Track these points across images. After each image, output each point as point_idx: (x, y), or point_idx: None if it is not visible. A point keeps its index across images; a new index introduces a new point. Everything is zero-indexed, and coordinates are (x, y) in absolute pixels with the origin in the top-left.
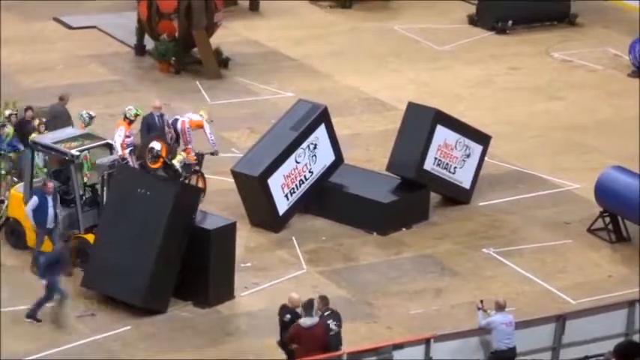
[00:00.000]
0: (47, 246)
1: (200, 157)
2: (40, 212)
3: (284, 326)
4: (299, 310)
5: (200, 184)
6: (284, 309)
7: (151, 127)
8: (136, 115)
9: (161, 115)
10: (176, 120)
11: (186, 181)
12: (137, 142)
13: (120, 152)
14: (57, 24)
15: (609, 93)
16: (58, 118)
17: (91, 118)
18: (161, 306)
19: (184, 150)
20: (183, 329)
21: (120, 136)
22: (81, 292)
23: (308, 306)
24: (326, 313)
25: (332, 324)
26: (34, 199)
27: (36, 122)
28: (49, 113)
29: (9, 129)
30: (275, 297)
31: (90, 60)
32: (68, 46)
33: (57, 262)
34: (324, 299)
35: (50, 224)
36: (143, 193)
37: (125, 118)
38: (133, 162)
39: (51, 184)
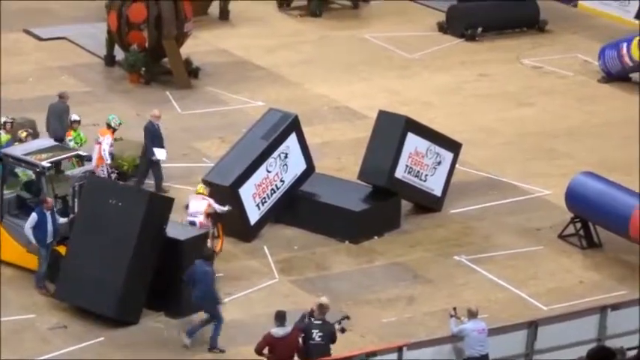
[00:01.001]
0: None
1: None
2: (39, 229)
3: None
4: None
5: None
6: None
7: (155, 134)
8: (120, 125)
9: (158, 125)
10: (194, 223)
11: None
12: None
13: (109, 161)
14: (27, 36)
15: (579, 99)
16: (59, 115)
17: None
18: (133, 317)
19: (218, 237)
20: (156, 340)
21: (108, 144)
22: (53, 304)
23: (279, 317)
24: (315, 322)
25: (316, 334)
26: (34, 216)
27: (23, 134)
28: (49, 111)
29: (3, 136)
30: (247, 307)
31: (61, 71)
32: (39, 57)
33: None
34: (321, 307)
35: (49, 239)
36: (114, 203)
37: (110, 127)
38: (108, 170)
39: (50, 200)
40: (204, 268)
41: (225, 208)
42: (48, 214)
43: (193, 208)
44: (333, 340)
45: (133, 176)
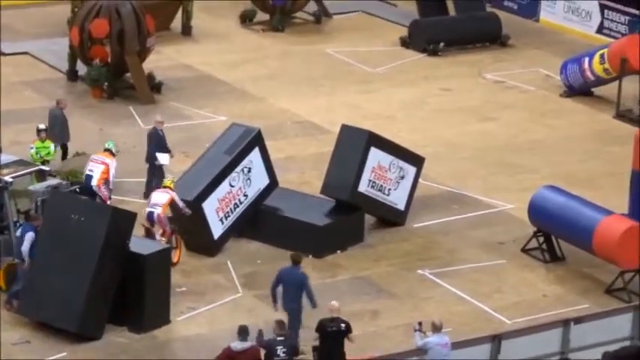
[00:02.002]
0: None
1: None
2: (33, 247)
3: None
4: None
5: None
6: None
7: (159, 141)
8: (118, 152)
9: (162, 130)
10: (152, 213)
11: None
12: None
13: (111, 186)
14: None
15: (542, 113)
16: (56, 122)
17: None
18: (96, 332)
19: (162, 234)
20: (119, 355)
21: (114, 168)
22: (16, 319)
23: (241, 331)
24: (278, 338)
25: (280, 350)
26: (31, 235)
27: None
28: (47, 118)
29: None
30: (211, 321)
31: (23, 86)
32: (1, 72)
33: None
34: (279, 324)
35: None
36: (77, 218)
37: (111, 152)
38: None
39: (41, 218)
40: (294, 272)
41: (187, 210)
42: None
43: (154, 199)
44: (297, 353)
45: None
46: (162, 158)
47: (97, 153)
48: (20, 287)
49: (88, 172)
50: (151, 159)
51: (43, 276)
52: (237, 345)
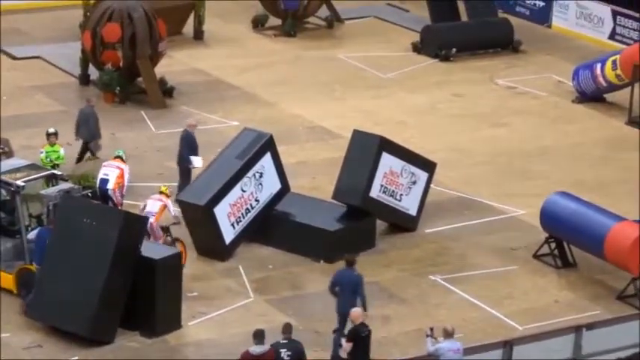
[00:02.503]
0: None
1: (166, 229)
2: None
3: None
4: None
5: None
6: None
7: (191, 143)
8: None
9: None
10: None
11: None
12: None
13: (124, 192)
14: (1, 55)
15: (554, 119)
16: (86, 120)
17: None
18: (108, 336)
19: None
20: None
21: (128, 173)
22: (28, 323)
23: (257, 335)
24: (283, 341)
25: (284, 353)
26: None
27: None
28: (78, 117)
29: None
30: (222, 326)
31: (35, 90)
32: (12, 76)
33: None
34: (285, 327)
35: None
36: (89, 223)
37: (122, 159)
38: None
39: None
40: (350, 274)
41: (178, 217)
42: None
43: (148, 207)
44: (302, 358)
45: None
46: (196, 161)
47: (109, 160)
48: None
49: (102, 176)
50: (182, 162)
51: (55, 280)
52: (256, 349)
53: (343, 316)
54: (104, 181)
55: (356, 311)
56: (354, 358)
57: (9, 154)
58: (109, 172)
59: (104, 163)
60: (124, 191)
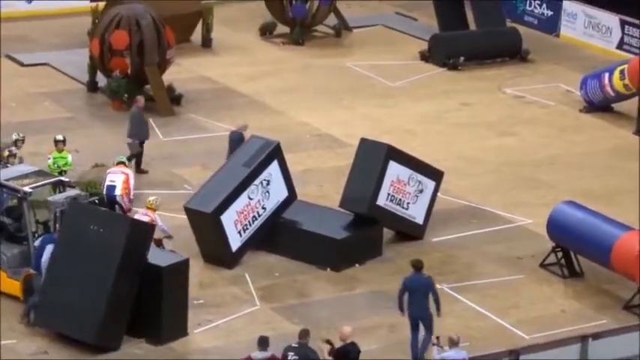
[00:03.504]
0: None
1: (159, 242)
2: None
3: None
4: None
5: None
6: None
7: (236, 145)
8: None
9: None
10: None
11: None
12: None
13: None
14: (9, 61)
15: (561, 128)
16: (136, 121)
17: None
18: (114, 343)
19: None
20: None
21: (133, 180)
22: (34, 329)
23: (261, 341)
24: (294, 345)
25: (291, 356)
26: (51, 249)
27: (4, 153)
28: (130, 118)
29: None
30: (228, 333)
31: (43, 97)
32: (21, 83)
33: None
34: (302, 332)
35: None
36: (95, 229)
37: (124, 164)
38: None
39: None
40: (420, 278)
41: (167, 231)
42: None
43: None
44: None
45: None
46: None
47: (113, 166)
48: (37, 300)
49: (109, 183)
50: None
51: (61, 287)
52: (258, 355)
53: (423, 320)
54: (111, 188)
55: (346, 329)
56: None
57: (20, 159)
58: (115, 179)
59: (109, 170)
60: (131, 196)
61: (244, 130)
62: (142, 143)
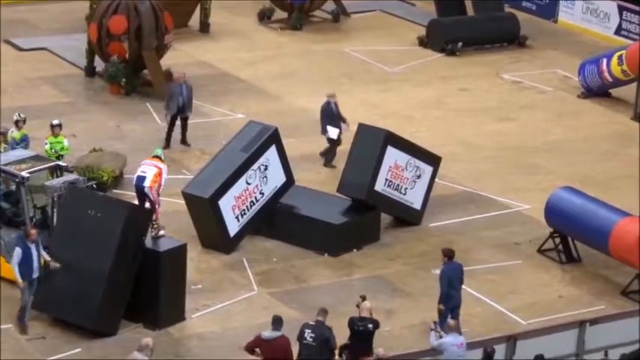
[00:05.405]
0: None
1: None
2: (24, 264)
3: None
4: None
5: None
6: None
7: (330, 114)
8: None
9: (335, 103)
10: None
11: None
12: None
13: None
14: (7, 46)
15: (559, 114)
16: (175, 96)
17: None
18: (112, 328)
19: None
20: (134, 351)
21: (166, 173)
22: (31, 314)
23: (274, 321)
24: (311, 322)
25: (307, 334)
26: (18, 251)
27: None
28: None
29: (17, 133)
30: (226, 319)
31: (41, 82)
32: (19, 68)
33: None
34: (320, 310)
35: (35, 274)
36: (93, 214)
37: (160, 158)
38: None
39: (34, 231)
40: (456, 266)
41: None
42: (33, 247)
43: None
44: (329, 346)
45: (113, 187)
46: (332, 132)
47: (147, 158)
48: (25, 305)
49: (140, 174)
50: (322, 132)
51: (58, 271)
52: (267, 333)
53: (455, 308)
54: (141, 179)
55: (366, 304)
56: (349, 349)
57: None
58: (147, 170)
59: (142, 162)
60: (161, 190)
61: (333, 98)
62: (182, 112)
